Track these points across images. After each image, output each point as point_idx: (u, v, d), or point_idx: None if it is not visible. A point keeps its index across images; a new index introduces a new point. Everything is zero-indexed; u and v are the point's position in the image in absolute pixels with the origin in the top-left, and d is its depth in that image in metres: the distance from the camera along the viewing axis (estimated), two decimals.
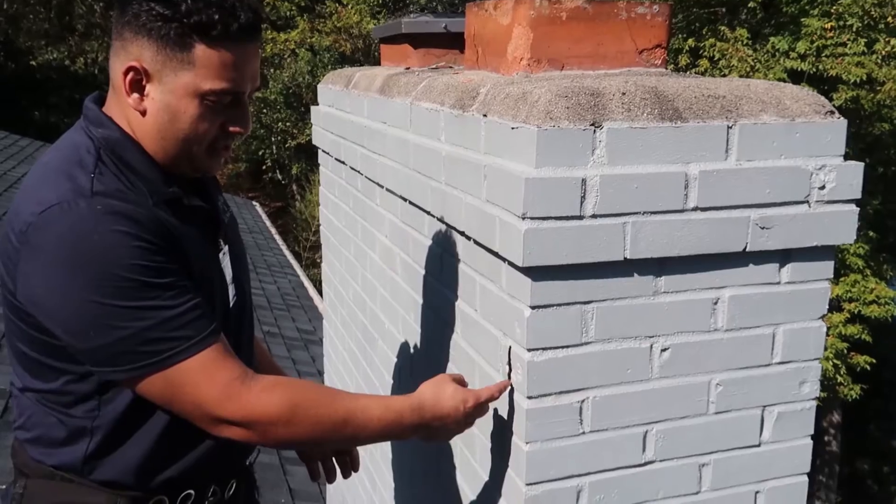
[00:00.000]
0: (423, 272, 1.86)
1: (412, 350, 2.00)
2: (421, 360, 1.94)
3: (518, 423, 1.39)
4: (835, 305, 10.49)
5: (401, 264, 2.05)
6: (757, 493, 1.55)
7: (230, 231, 1.53)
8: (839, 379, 10.34)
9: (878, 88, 10.07)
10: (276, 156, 20.95)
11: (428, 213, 1.75)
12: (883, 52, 9.86)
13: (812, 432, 1.56)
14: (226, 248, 1.49)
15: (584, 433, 1.40)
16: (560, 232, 1.29)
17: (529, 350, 1.34)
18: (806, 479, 1.58)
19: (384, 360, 2.27)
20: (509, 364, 1.41)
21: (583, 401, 1.39)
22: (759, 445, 1.53)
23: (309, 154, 18.84)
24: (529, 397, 1.36)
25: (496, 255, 1.40)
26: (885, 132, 11.05)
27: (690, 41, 10.91)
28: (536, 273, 1.31)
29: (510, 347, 1.40)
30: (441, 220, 1.67)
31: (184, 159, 1.34)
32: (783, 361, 1.50)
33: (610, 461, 1.43)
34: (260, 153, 21.10)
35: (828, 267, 1.49)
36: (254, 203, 12.46)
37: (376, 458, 2.44)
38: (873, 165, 11.14)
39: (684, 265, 1.39)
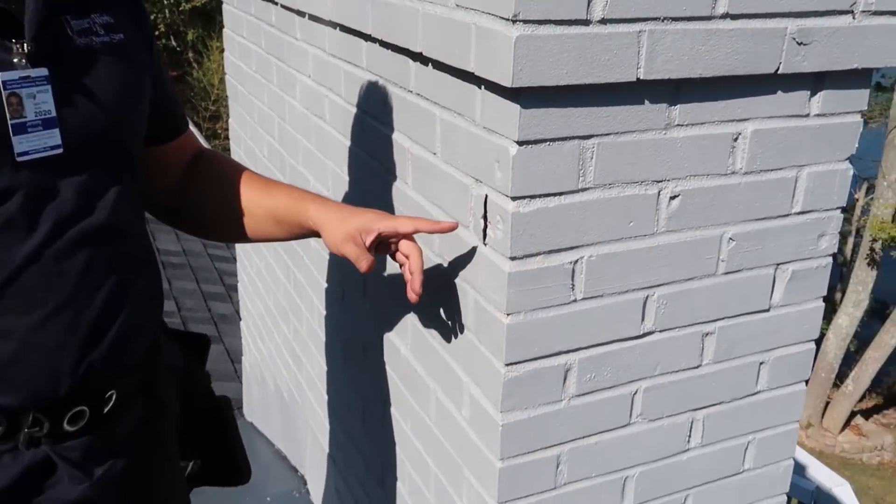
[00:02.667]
0: (359, 114, 1.53)
1: None
2: None
3: (497, 291, 1.11)
4: None
5: (329, 108, 1.71)
6: (762, 363, 1.34)
7: (78, 55, 1.01)
8: None
9: None
10: (168, 20, 19.60)
11: (367, 37, 1.41)
12: None
13: (825, 293, 1.35)
14: (42, 72, 0.96)
15: (575, 301, 1.14)
16: (560, 42, 0.98)
17: (514, 199, 1.05)
18: (813, 346, 1.38)
19: None
20: (485, 218, 1.12)
21: (576, 261, 1.12)
22: (768, 310, 1.30)
23: (206, 18, 17.70)
24: (513, 258, 1.08)
25: (469, 77, 1.09)
26: None
27: None
28: (527, 98, 1.00)
29: (486, 197, 1.11)
30: (386, 43, 1.33)
31: None
32: (803, 211, 1.26)
33: (603, 334, 1.18)
34: (151, 18, 19.65)
35: (862, 97, 1.24)
36: None
37: (301, 335, 2.16)
38: None
39: (704, 91, 1.11)
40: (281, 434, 2.66)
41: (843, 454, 11.98)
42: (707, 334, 1.26)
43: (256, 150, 2.43)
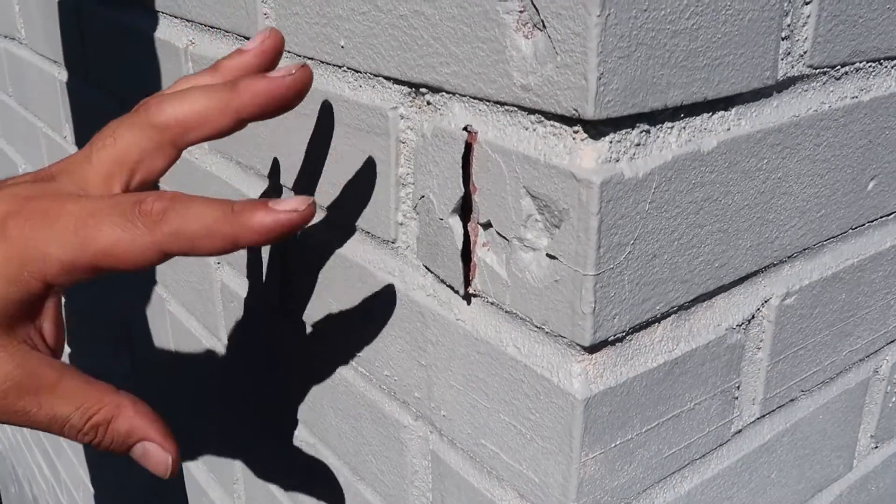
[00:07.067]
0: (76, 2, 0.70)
1: None
2: None
3: (535, 461, 0.33)
4: None
5: (22, 6, 0.85)
6: None
7: None
8: None
9: None
10: None
11: None
12: None
13: None
14: None
15: (739, 431, 0.39)
16: None
17: (605, 126, 0.27)
18: None
19: None
20: (464, 216, 0.33)
21: (752, 317, 0.36)
22: None
23: None
24: (594, 346, 0.30)
25: None
26: None
27: None
28: None
29: (469, 140, 0.32)
30: None
31: None
32: None
33: (791, 493, 0.44)
34: None
35: None
36: None
37: None
38: None
39: None
40: None
41: None
42: None
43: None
